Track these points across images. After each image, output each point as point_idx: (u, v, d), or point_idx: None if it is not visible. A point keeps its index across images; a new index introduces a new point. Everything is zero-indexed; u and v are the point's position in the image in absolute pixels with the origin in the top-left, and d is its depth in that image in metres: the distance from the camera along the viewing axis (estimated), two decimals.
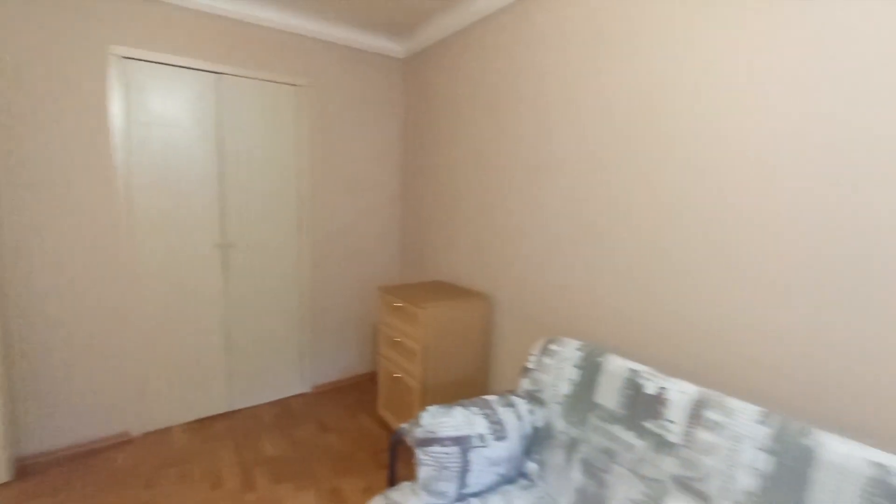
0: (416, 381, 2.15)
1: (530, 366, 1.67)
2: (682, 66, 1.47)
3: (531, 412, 1.56)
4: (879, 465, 0.91)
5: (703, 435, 1.16)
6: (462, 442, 1.36)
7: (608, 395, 1.41)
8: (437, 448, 1.34)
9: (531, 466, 1.51)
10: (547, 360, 1.62)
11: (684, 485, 1.15)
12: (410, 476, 2.07)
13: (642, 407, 1.31)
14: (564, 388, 1.54)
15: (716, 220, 1.40)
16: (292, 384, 2.94)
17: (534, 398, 1.60)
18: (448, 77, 2.66)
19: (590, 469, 1.36)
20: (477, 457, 1.38)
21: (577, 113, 1.84)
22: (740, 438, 1.09)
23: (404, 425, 1.52)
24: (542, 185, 2.03)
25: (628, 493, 1.25)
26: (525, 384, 1.66)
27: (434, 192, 2.85)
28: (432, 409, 1.43)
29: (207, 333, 2.58)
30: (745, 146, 1.32)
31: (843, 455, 0.95)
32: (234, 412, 2.70)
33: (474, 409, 1.46)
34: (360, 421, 2.64)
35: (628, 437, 1.31)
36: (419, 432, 1.39)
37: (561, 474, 1.42)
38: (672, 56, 1.49)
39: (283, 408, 2.78)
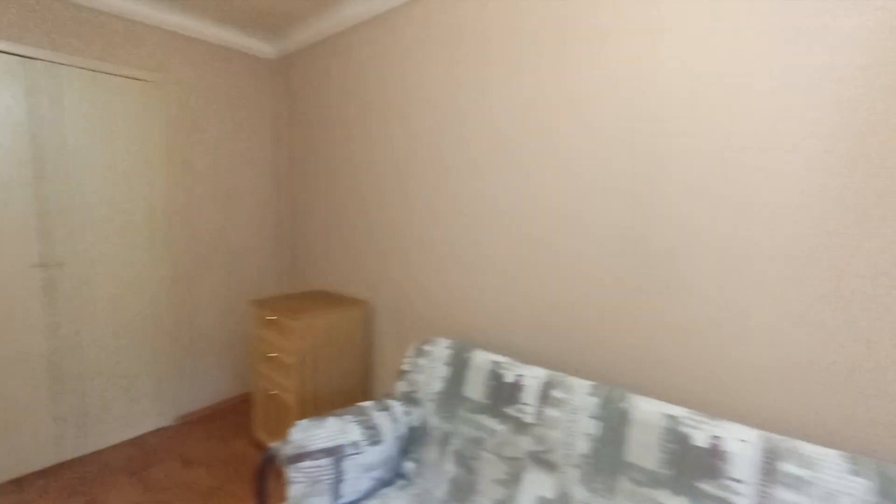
0: (293, 396, 2.04)
1: (406, 368, 1.71)
2: (557, 64, 1.65)
3: (407, 413, 1.60)
4: (670, 416, 1.13)
5: (550, 412, 1.32)
6: (334, 452, 1.34)
7: (475, 387, 1.52)
8: (307, 463, 1.30)
9: (408, 466, 1.55)
10: (421, 361, 1.68)
11: (537, 458, 1.30)
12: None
13: (503, 395, 1.44)
14: (437, 386, 1.61)
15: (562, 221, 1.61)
16: (149, 418, 2.56)
17: (410, 399, 1.64)
18: (321, 82, 2.60)
19: (461, 459, 1.44)
20: (351, 465, 1.37)
21: (453, 119, 1.94)
22: (577, 410, 1.27)
23: (273, 444, 1.44)
24: (412, 190, 2.10)
25: (493, 475, 1.36)
26: (401, 386, 1.69)
27: (311, 198, 2.76)
28: (303, 423, 1.38)
29: (24, 371, 2.12)
30: (599, 152, 1.55)
31: (646, 412, 1.17)
32: (68, 462, 2.26)
33: (348, 418, 1.45)
34: (234, 448, 2.41)
35: (492, 423, 1.43)
36: (289, 449, 1.33)
37: (436, 468, 1.48)
38: (546, 56, 1.67)
39: (138, 447, 2.41)
